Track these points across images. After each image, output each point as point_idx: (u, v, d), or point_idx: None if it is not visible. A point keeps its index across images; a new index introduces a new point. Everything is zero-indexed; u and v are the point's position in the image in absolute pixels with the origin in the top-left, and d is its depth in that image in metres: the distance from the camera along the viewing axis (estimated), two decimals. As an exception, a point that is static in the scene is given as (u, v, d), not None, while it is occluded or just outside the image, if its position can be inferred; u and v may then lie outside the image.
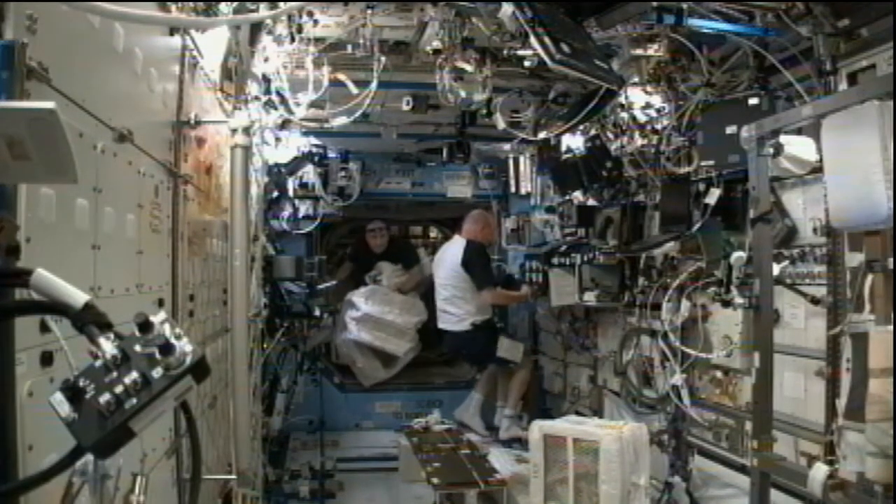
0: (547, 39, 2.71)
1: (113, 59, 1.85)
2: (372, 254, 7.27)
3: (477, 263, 5.95)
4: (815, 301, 3.13)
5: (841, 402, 2.85)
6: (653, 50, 3.69)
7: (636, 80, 3.93)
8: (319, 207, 6.63)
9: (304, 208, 6.61)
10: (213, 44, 3.12)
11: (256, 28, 3.38)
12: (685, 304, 4.02)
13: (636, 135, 4.44)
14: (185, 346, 1.03)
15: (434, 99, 4.22)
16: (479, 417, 6.32)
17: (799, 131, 3.02)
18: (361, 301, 6.55)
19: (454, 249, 6.13)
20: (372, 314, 6.49)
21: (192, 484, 1.65)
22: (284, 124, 4.76)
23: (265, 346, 4.80)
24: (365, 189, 6.89)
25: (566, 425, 3.97)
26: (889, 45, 2.70)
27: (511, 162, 6.69)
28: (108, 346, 1.03)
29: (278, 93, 3.97)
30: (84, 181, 1.55)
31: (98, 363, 1.02)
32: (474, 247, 6.02)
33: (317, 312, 6.00)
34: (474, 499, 4.20)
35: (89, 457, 1.12)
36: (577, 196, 5.50)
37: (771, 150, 2.85)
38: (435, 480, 4.21)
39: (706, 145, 3.78)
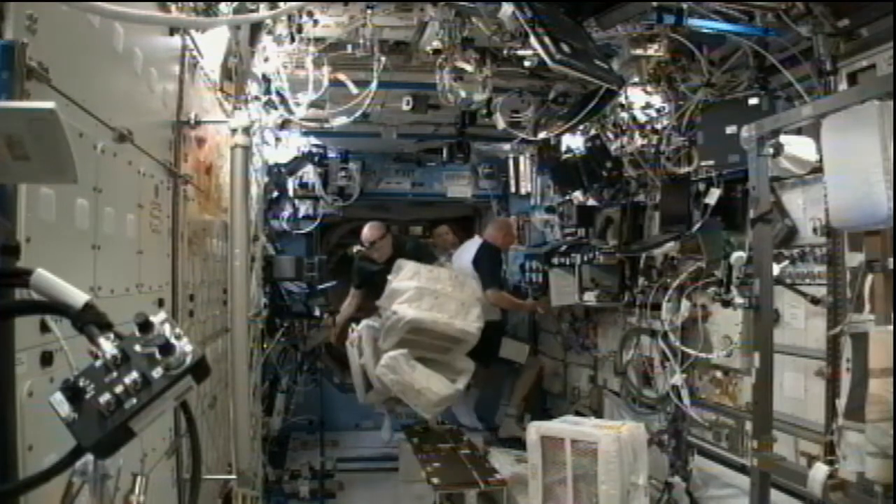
0: (547, 39, 2.72)
1: (113, 59, 1.85)
2: (377, 264, 5.85)
3: (486, 263, 5.98)
4: (815, 301, 3.13)
5: (841, 402, 2.85)
6: (653, 50, 3.69)
7: (636, 80, 3.93)
8: (319, 207, 6.65)
9: (304, 208, 6.64)
10: (213, 44, 3.12)
11: (256, 28, 3.38)
12: (685, 304, 4.02)
13: (636, 135, 4.44)
14: (185, 346, 1.03)
15: (434, 99, 4.22)
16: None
17: (799, 131, 3.02)
18: (406, 280, 5.09)
19: (471, 248, 6.17)
20: (427, 287, 5.05)
21: (192, 484, 1.65)
22: (284, 124, 4.78)
23: (265, 346, 4.80)
24: (365, 189, 6.90)
25: (564, 426, 3.97)
26: (889, 45, 2.70)
27: (511, 162, 6.71)
28: (108, 346, 1.03)
29: (278, 93, 3.98)
30: (84, 181, 1.55)
31: (98, 363, 1.02)
32: (487, 248, 6.07)
33: (317, 312, 6.00)
34: (474, 499, 4.20)
35: (89, 457, 1.12)
36: (577, 196, 5.51)
37: (771, 150, 2.85)
38: (435, 480, 4.22)
39: (706, 145, 3.79)
